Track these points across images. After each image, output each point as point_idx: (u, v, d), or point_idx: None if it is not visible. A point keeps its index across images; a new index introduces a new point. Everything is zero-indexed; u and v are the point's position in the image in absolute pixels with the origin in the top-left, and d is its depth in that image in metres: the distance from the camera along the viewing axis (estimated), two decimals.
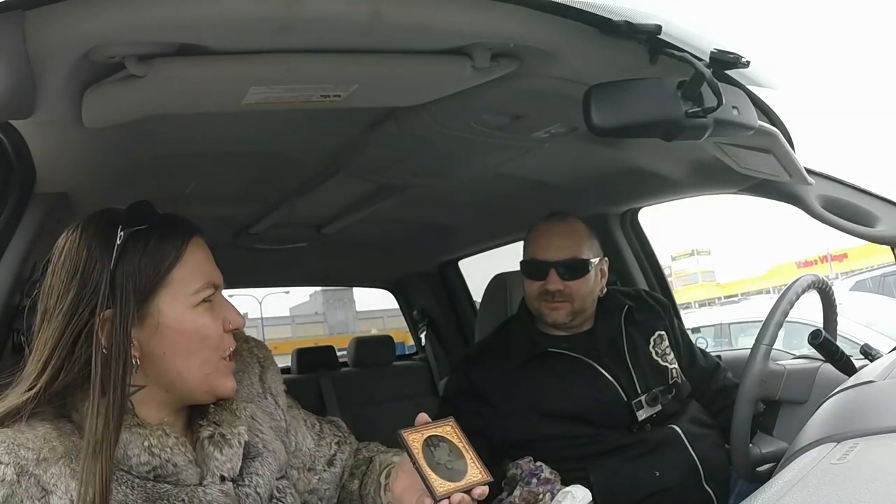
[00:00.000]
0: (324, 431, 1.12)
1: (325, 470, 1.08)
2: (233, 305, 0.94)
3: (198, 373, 0.89)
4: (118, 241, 0.86)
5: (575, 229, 1.69)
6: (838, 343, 1.50)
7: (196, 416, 0.94)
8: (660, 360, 1.69)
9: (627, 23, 0.92)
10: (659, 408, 1.61)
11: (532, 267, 1.67)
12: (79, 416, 0.85)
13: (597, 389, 1.62)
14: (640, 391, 1.61)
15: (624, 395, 1.61)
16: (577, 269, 1.64)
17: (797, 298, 1.43)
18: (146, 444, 0.85)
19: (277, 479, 0.98)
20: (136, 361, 0.86)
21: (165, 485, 0.86)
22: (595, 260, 1.68)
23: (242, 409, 0.96)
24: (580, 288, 1.65)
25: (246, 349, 1.07)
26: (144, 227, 0.88)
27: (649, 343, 1.71)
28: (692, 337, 1.93)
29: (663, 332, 1.74)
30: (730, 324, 6.54)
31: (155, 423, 0.88)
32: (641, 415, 1.59)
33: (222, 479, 0.90)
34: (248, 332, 1.12)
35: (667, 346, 1.72)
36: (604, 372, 1.63)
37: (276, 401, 1.05)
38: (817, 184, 1.45)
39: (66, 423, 0.85)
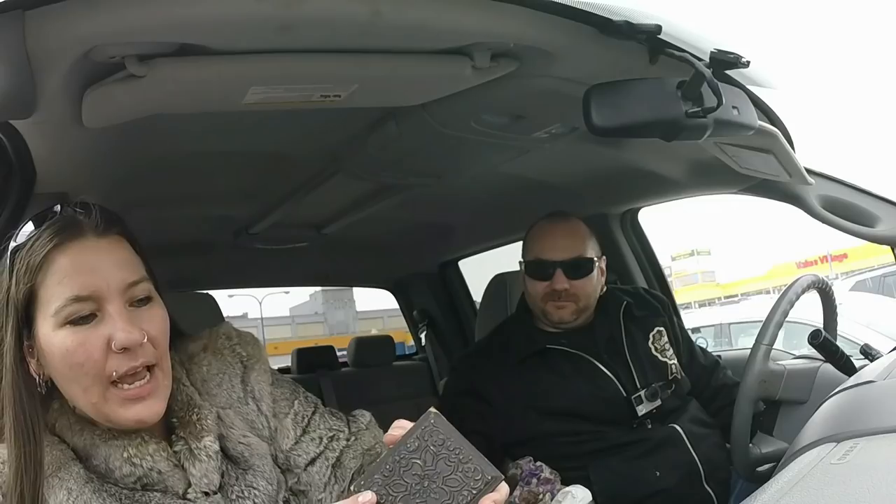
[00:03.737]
0: (310, 426, 0.97)
1: (303, 470, 0.95)
2: (123, 319, 0.80)
3: (84, 401, 0.81)
4: (7, 264, 0.82)
5: (578, 229, 1.70)
6: (838, 343, 1.50)
7: (170, 427, 0.88)
8: (659, 355, 1.69)
9: (627, 23, 0.92)
10: (658, 403, 1.61)
11: (537, 267, 1.67)
12: (58, 427, 0.84)
13: (596, 385, 1.62)
14: (639, 386, 1.61)
15: (623, 391, 1.61)
16: (582, 268, 1.65)
17: (797, 298, 1.43)
18: (125, 455, 0.82)
19: (283, 475, 0.93)
20: (39, 380, 0.82)
21: (155, 493, 0.83)
22: (597, 258, 1.69)
23: (206, 417, 0.88)
24: (585, 287, 1.66)
25: (228, 347, 0.97)
26: (26, 239, 0.82)
27: (648, 339, 1.72)
28: (692, 337, 1.93)
29: (662, 329, 1.75)
30: (730, 324, 6.53)
31: (132, 430, 0.84)
32: (641, 410, 1.59)
33: (205, 494, 0.85)
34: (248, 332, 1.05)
35: (666, 342, 1.73)
36: (602, 368, 1.63)
37: (258, 406, 0.95)
38: (817, 184, 1.45)
39: (49, 436, 0.83)
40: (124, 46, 0.87)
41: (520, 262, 1.75)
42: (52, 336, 0.80)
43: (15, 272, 0.81)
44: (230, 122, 1.29)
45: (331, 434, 0.98)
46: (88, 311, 0.79)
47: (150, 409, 0.82)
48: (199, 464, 0.85)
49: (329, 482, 0.96)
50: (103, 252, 0.82)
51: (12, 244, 0.83)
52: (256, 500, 0.88)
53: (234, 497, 0.87)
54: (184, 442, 0.86)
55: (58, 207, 0.84)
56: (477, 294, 2.92)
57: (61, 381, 0.82)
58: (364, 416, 1.04)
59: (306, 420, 0.98)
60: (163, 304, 0.86)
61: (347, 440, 0.98)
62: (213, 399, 0.92)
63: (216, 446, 0.87)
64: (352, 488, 0.69)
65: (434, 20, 0.91)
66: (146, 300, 0.84)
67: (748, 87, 1.07)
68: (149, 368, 0.82)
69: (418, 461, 0.68)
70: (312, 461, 0.95)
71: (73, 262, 0.80)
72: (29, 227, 0.84)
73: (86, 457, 0.83)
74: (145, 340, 0.81)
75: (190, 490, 0.85)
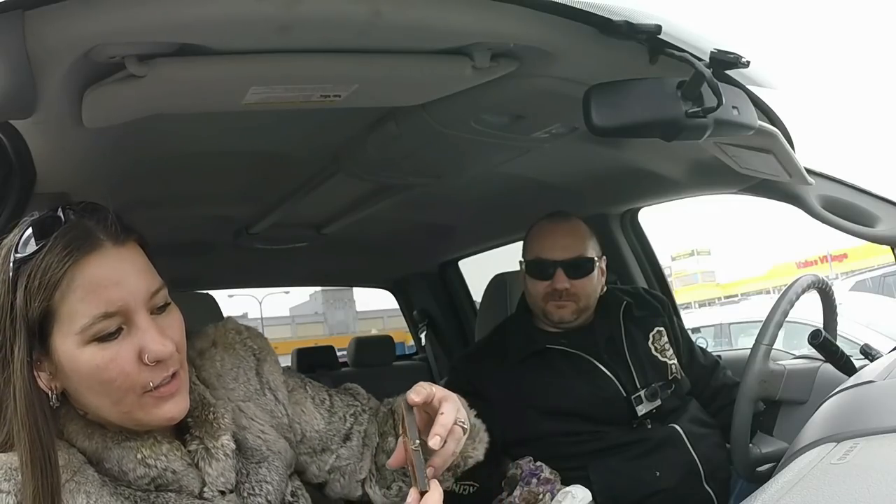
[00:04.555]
0: (335, 406, 1.04)
1: (341, 446, 1.02)
2: (153, 331, 0.79)
3: (113, 411, 0.80)
4: (10, 276, 0.77)
5: (579, 228, 1.70)
6: (838, 343, 1.50)
7: (183, 427, 0.88)
8: (659, 355, 1.69)
9: (627, 23, 0.92)
10: (658, 403, 1.61)
11: (538, 267, 1.67)
12: (67, 432, 0.83)
13: (596, 385, 1.62)
14: (639, 386, 1.61)
15: (623, 391, 1.61)
16: (583, 267, 1.66)
17: (797, 298, 1.43)
18: (139, 456, 0.82)
19: (290, 478, 0.95)
20: (53, 395, 0.79)
21: (169, 493, 0.83)
22: (598, 258, 1.69)
23: (222, 416, 0.89)
24: (586, 286, 1.66)
25: (239, 341, 0.98)
26: (33, 251, 0.77)
27: (648, 339, 1.72)
28: (692, 337, 1.93)
29: (662, 329, 1.75)
30: (730, 324, 6.53)
31: (145, 432, 0.84)
32: (641, 410, 1.59)
33: (222, 493, 0.86)
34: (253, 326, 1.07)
35: (666, 342, 1.73)
36: (602, 368, 1.63)
37: (275, 396, 0.97)
38: (817, 184, 1.45)
39: (60, 441, 0.81)
40: (124, 46, 0.87)
41: (520, 262, 1.75)
42: (77, 353, 0.77)
43: (25, 288, 0.76)
44: (230, 122, 1.29)
45: (351, 411, 1.05)
46: (116, 327, 0.78)
47: (180, 406, 0.82)
48: (217, 463, 0.86)
49: (363, 452, 1.04)
50: (124, 262, 0.79)
51: (15, 255, 0.78)
52: (269, 498, 0.90)
53: (245, 494, 0.88)
54: (199, 441, 0.86)
55: (60, 212, 0.80)
56: (477, 294, 2.92)
57: (86, 394, 0.79)
58: (359, 391, 1.12)
59: (327, 402, 1.04)
60: (177, 308, 0.85)
61: (364, 412, 1.07)
62: (232, 393, 0.94)
63: (233, 445, 0.88)
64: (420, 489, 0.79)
65: (434, 20, 0.91)
66: (165, 307, 0.83)
67: (748, 87, 1.07)
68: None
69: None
70: (347, 437, 1.03)
71: (95, 277, 0.77)
72: (29, 233, 0.78)
73: (97, 461, 0.82)
74: (175, 349, 0.80)
75: (206, 489, 0.85)
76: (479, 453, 1.02)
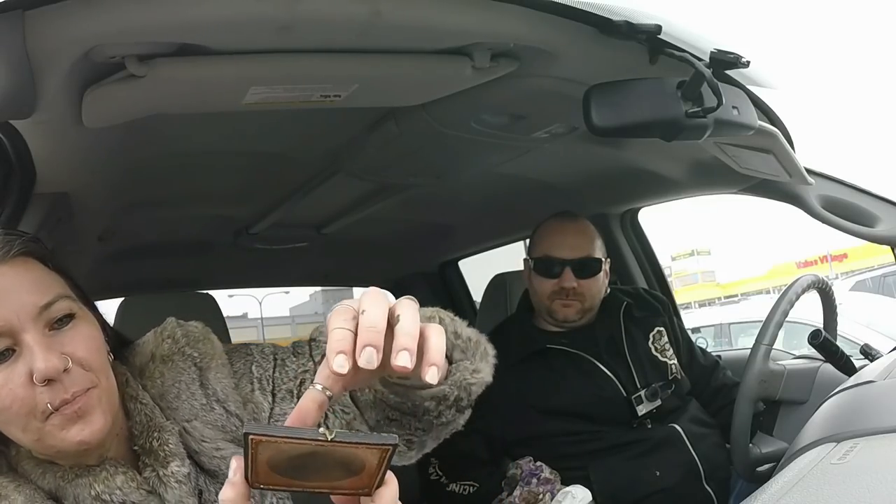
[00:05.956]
0: (277, 385, 0.90)
1: None
2: (39, 347, 0.72)
3: (26, 440, 0.75)
4: None
5: (587, 229, 1.71)
6: (838, 343, 1.50)
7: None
8: (659, 355, 1.70)
9: (627, 23, 0.92)
10: (658, 402, 1.61)
11: (546, 265, 1.68)
12: (21, 471, 0.79)
13: (596, 385, 1.62)
14: (639, 386, 1.62)
15: (623, 391, 1.61)
16: (590, 267, 1.67)
17: (797, 298, 1.43)
18: (93, 493, 0.77)
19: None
20: None
21: None
22: (604, 259, 1.70)
23: (167, 441, 0.82)
24: (592, 287, 1.67)
25: (177, 351, 0.87)
26: None
27: (648, 339, 1.72)
28: (692, 337, 1.93)
29: (662, 329, 1.75)
30: (730, 324, 6.54)
31: (97, 463, 0.79)
32: (641, 410, 1.59)
33: None
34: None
35: (666, 343, 1.73)
36: (603, 368, 1.64)
37: (225, 408, 0.87)
38: (817, 184, 1.45)
39: (17, 476, 0.78)
40: (124, 46, 0.87)
41: (525, 260, 1.75)
42: None
43: None
44: (230, 122, 1.29)
45: (299, 380, 0.90)
46: (4, 347, 0.72)
47: (91, 427, 0.75)
48: (172, 490, 0.81)
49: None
50: (7, 279, 0.74)
51: None
52: None
53: None
54: (151, 469, 0.81)
55: None
56: (477, 294, 2.92)
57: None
58: (304, 347, 0.96)
59: (271, 382, 0.90)
60: (92, 318, 0.80)
61: (308, 379, 0.91)
62: (176, 413, 0.85)
63: (185, 469, 0.82)
64: None
65: (434, 20, 0.91)
66: (67, 319, 0.76)
67: (748, 87, 1.07)
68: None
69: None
70: None
71: None
72: None
73: (56, 498, 0.78)
74: (70, 365, 0.73)
75: None
76: (485, 374, 0.84)
